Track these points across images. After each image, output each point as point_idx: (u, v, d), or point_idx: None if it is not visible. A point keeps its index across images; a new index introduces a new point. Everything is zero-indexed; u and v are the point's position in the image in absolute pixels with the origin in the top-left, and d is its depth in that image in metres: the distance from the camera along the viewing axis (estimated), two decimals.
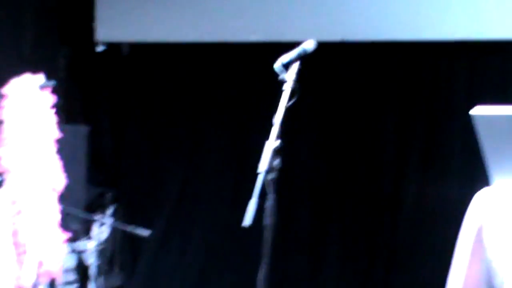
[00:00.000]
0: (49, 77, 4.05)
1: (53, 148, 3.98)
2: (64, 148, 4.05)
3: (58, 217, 3.95)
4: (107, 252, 5.16)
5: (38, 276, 3.82)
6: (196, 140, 6.24)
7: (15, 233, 3.78)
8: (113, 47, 6.37)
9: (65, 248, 4.02)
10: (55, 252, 3.87)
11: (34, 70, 4.05)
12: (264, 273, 3.12)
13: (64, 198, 4.06)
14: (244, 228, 3.02)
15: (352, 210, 5.87)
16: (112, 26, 6.27)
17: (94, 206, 5.37)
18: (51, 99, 3.99)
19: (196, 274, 6.11)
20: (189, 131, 6.27)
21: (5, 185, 3.81)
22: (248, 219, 3.01)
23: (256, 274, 3.12)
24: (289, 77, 3.19)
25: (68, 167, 4.06)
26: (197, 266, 6.10)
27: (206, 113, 6.22)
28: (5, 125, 3.82)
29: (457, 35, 5.61)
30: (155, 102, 6.42)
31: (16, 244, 3.78)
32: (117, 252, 5.41)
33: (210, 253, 6.08)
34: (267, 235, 3.12)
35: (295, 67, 3.24)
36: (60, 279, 4.19)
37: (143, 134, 6.44)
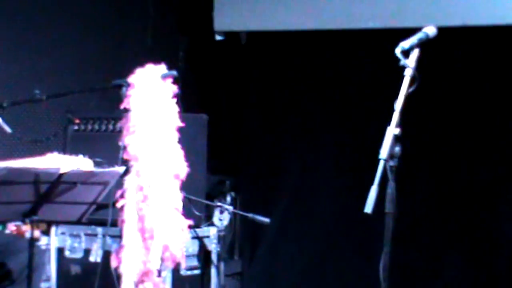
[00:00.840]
0: (170, 67, 4.15)
1: (176, 136, 4.07)
2: (185, 137, 4.14)
3: (181, 204, 4.04)
4: (227, 239, 5.24)
5: (163, 260, 3.92)
6: (315, 126, 6.25)
7: (141, 219, 3.88)
8: (231, 36, 6.45)
9: (188, 234, 4.10)
10: (179, 238, 3.96)
11: (156, 60, 4.15)
12: (385, 261, 3.10)
13: (186, 185, 4.15)
14: (364, 215, 3.02)
15: (475, 199, 5.75)
16: (230, 16, 6.34)
17: (214, 194, 5.45)
18: (173, 88, 4.08)
19: (315, 262, 6.13)
20: (307, 118, 6.29)
21: (132, 172, 3.91)
22: (369, 206, 3.01)
23: (376, 262, 3.11)
24: (410, 63, 3.17)
25: (189, 155, 4.15)
26: (316, 254, 6.12)
27: (324, 100, 6.22)
28: (131, 114, 3.92)
29: None
30: (273, 90, 6.46)
31: (142, 230, 3.88)
32: (237, 239, 5.48)
33: (329, 240, 6.08)
34: (388, 222, 3.11)
35: (416, 53, 3.21)
36: (183, 264, 4.29)
37: (261, 123, 6.49)
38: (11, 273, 4.08)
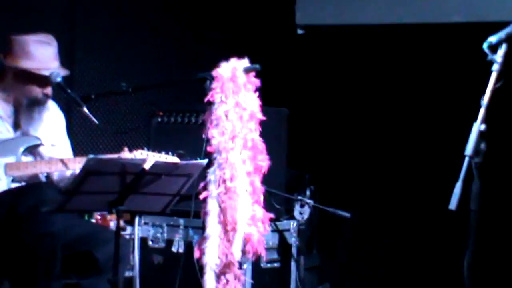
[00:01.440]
0: (252, 61, 4.17)
1: (258, 130, 4.10)
2: (266, 130, 4.16)
3: (262, 197, 4.07)
4: (307, 233, 5.25)
5: (244, 253, 3.95)
6: (397, 121, 6.21)
7: (223, 211, 3.92)
8: (312, 30, 6.45)
9: (269, 227, 4.13)
10: (260, 231, 3.99)
11: (239, 54, 4.18)
12: (469, 260, 3.07)
13: (266, 179, 4.17)
14: (449, 212, 2.99)
15: None
16: (312, 10, 6.34)
17: (293, 188, 5.46)
18: (255, 82, 4.11)
19: (394, 257, 6.10)
20: (389, 112, 6.25)
21: (215, 164, 3.96)
22: (454, 203, 2.98)
23: (459, 260, 3.08)
24: (498, 58, 3.12)
25: (270, 149, 4.17)
26: (396, 249, 6.09)
27: (406, 94, 6.18)
28: (215, 107, 3.97)
29: None
30: (353, 84, 6.44)
31: (224, 222, 3.93)
32: (316, 233, 5.48)
33: (409, 236, 6.04)
34: (473, 220, 3.07)
35: (503, 48, 3.16)
36: (264, 257, 4.32)
37: (341, 117, 6.48)
38: (97, 263, 4.17)
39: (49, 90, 4.38)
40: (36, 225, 4.01)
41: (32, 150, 4.41)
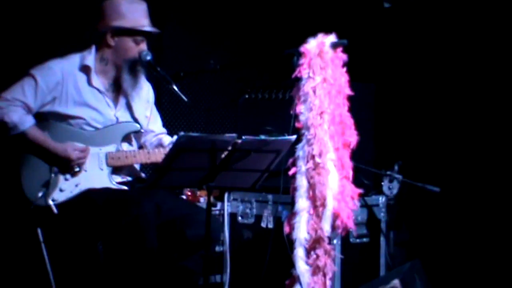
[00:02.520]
0: (339, 36, 4.15)
1: (346, 105, 4.08)
2: (353, 106, 4.14)
3: (351, 172, 4.06)
4: (396, 208, 5.22)
5: (334, 228, 3.96)
6: (486, 95, 6.11)
7: (312, 187, 3.93)
8: (398, 3, 6.37)
9: (358, 202, 4.12)
10: (350, 206, 3.98)
11: (326, 30, 4.17)
12: None
13: (354, 154, 4.16)
14: None
15: None
16: None
17: (381, 163, 5.43)
18: (343, 57, 4.08)
19: (483, 234, 6.01)
20: (478, 86, 6.15)
21: (303, 140, 3.96)
22: None
23: None
24: None
25: (357, 124, 4.15)
26: (485, 225, 6.00)
27: (496, 68, 6.06)
28: (303, 83, 3.97)
29: None
30: (441, 58, 6.35)
31: (313, 198, 3.93)
32: (405, 208, 5.44)
33: (504, 213, 5.94)
34: None
35: None
36: (354, 232, 4.32)
37: (427, 93, 6.41)
38: (189, 243, 4.25)
39: (144, 46, 4.44)
40: (129, 209, 4.12)
41: (130, 135, 4.51)
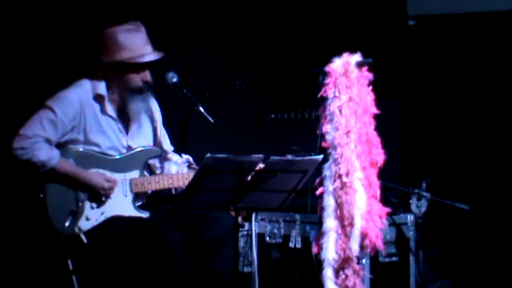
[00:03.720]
0: (364, 55, 4.15)
1: (373, 123, 4.07)
2: (379, 123, 4.13)
3: (379, 191, 4.05)
4: (424, 226, 5.18)
5: (363, 248, 3.93)
6: (510, 114, 6.08)
7: (340, 206, 3.92)
8: (423, 20, 6.37)
9: (386, 221, 4.09)
10: (378, 225, 3.96)
11: (351, 49, 4.17)
12: None
13: (382, 172, 4.14)
14: None
15: None
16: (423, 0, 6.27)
17: (408, 181, 5.40)
18: (368, 76, 4.08)
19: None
20: (506, 103, 6.12)
21: (330, 160, 3.95)
22: None
23: None
24: None
25: (385, 142, 4.14)
26: None
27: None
28: (328, 102, 3.96)
29: None
30: (467, 74, 6.33)
31: (341, 217, 3.92)
32: (434, 225, 5.41)
33: None
34: None
35: None
36: (382, 251, 4.29)
37: (453, 109, 6.38)
38: (207, 243, 4.25)
39: (147, 76, 4.43)
40: (156, 242, 4.14)
41: (150, 160, 4.54)
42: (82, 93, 4.40)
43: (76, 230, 4.24)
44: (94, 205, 4.32)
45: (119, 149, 4.45)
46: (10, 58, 5.13)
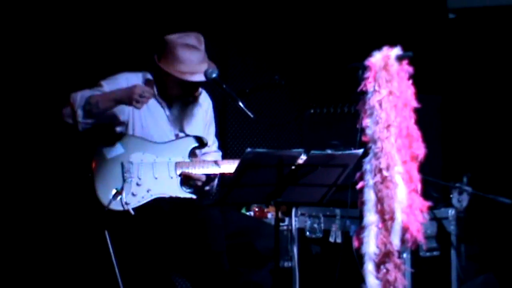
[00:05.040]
0: (405, 48, 4.13)
1: (413, 117, 4.05)
2: (419, 118, 4.11)
3: (419, 185, 4.02)
4: (466, 220, 5.14)
5: (404, 242, 3.92)
6: None
7: (380, 201, 3.90)
8: (464, 13, 6.32)
9: (427, 215, 4.07)
10: (419, 219, 3.94)
11: (391, 42, 4.15)
12: None
13: (422, 166, 4.12)
14: None
15: None
16: None
17: (449, 175, 5.37)
18: (409, 70, 4.06)
19: None
20: None
21: (370, 154, 3.94)
22: None
23: None
24: None
25: (424, 136, 4.12)
26: None
27: None
28: (368, 96, 3.95)
29: None
30: (505, 69, 6.27)
31: (382, 211, 3.91)
32: (476, 220, 5.37)
33: None
34: None
35: None
36: (424, 246, 4.28)
37: (494, 103, 6.33)
38: (259, 255, 4.26)
39: (192, 92, 4.53)
40: (195, 213, 4.16)
41: (195, 150, 4.58)
42: (133, 78, 4.54)
43: (122, 204, 4.31)
44: (139, 181, 4.38)
45: (168, 136, 4.52)
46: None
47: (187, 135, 4.58)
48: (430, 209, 4.20)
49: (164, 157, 4.45)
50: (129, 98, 4.32)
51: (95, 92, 4.40)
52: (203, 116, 4.70)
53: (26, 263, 5.14)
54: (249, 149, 3.73)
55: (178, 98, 4.56)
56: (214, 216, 4.22)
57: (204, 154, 4.73)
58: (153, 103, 4.53)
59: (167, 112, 4.58)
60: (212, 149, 4.78)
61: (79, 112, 4.34)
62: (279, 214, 3.96)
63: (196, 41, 4.52)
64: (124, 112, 4.49)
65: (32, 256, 5.17)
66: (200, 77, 4.48)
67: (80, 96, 4.38)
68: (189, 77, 4.46)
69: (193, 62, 4.49)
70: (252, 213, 5.14)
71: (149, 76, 4.57)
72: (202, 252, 4.14)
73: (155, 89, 4.54)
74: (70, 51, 5.29)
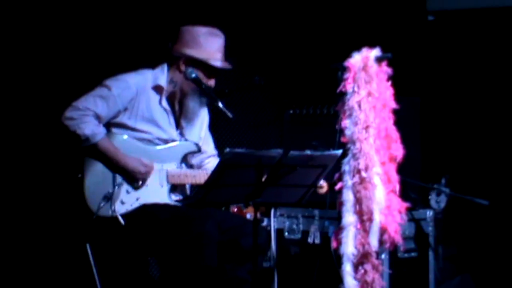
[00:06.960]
0: (384, 50, 4.14)
1: (392, 119, 4.06)
2: (398, 119, 4.12)
3: (398, 186, 4.04)
4: (444, 222, 5.17)
5: (382, 243, 3.93)
6: None
7: (359, 202, 3.91)
8: (443, 16, 6.35)
9: (405, 216, 4.08)
10: (397, 220, 3.96)
11: (370, 44, 4.16)
12: None
13: (402, 167, 4.13)
14: None
15: None
16: None
17: (428, 176, 5.40)
18: (388, 71, 4.07)
19: None
20: None
21: (349, 155, 3.95)
22: None
23: None
24: None
25: (404, 138, 4.13)
26: None
27: None
28: (347, 97, 3.96)
29: None
30: (486, 70, 6.30)
31: (360, 212, 3.92)
32: (453, 221, 5.40)
33: None
34: None
35: None
36: (401, 247, 4.29)
37: (472, 105, 6.36)
38: (242, 251, 4.26)
39: (212, 82, 4.50)
40: (192, 226, 4.15)
41: (188, 155, 4.56)
42: (142, 80, 4.46)
43: (110, 212, 4.29)
44: (130, 189, 4.36)
45: (168, 142, 4.51)
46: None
47: (186, 140, 4.54)
48: (408, 210, 4.21)
49: (158, 163, 4.43)
50: (133, 174, 4.34)
51: (104, 139, 4.33)
52: (201, 120, 4.67)
53: (11, 266, 5.09)
54: (228, 149, 3.73)
55: (190, 95, 4.49)
56: (211, 231, 4.19)
57: (208, 161, 4.70)
58: (157, 107, 4.49)
59: (171, 118, 4.53)
60: (212, 162, 4.74)
61: (84, 142, 4.29)
62: (258, 215, 3.96)
63: (216, 31, 4.50)
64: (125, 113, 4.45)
65: (17, 260, 5.11)
66: (224, 65, 4.47)
67: (92, 131, 4.29)
68: (215, 62, 4.43)
69: (216, 49, 4.46)
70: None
71: (160, 81, 4.47)
72: (194, 268, 4.13)
73: (164, 91, 4.48)
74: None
